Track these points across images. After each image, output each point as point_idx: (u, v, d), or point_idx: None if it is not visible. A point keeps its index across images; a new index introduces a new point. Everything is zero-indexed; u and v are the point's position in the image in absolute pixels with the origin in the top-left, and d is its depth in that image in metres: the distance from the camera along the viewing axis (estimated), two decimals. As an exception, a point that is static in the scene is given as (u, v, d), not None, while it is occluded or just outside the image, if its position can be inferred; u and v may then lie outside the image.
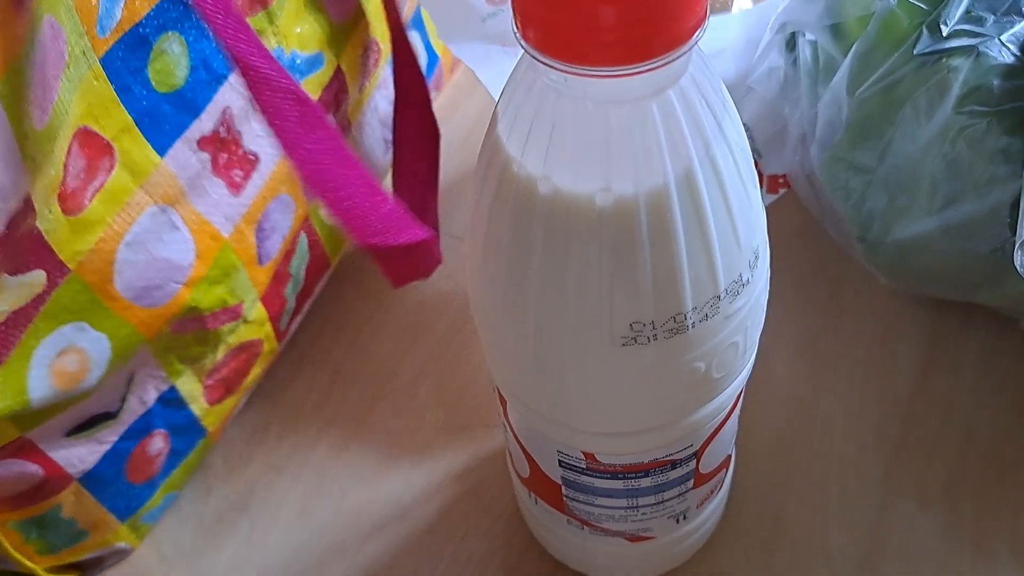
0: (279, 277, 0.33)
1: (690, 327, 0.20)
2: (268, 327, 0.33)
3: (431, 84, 0.44)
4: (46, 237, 0.24)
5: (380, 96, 0.38)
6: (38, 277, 0.24)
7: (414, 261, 0.30)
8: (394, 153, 0.37)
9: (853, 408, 0.35)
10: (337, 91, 0.34)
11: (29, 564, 0.29)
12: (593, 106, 0.18)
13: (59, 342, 0.25)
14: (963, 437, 0.34)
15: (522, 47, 0.17)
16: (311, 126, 0.26)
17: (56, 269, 0.24)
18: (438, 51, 0.44)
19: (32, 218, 0.23)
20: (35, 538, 0.29)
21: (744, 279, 0.21)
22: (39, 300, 0.24)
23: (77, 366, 0.26)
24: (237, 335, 0.32)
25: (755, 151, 0.38)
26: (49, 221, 0.24)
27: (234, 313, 0.31)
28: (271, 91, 0.25)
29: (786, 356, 0.36)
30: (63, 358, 0.25)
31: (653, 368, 0.21)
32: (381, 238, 0.28)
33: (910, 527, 0.32)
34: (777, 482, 0.33)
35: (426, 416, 0.36)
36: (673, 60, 0.16)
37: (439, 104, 0.47)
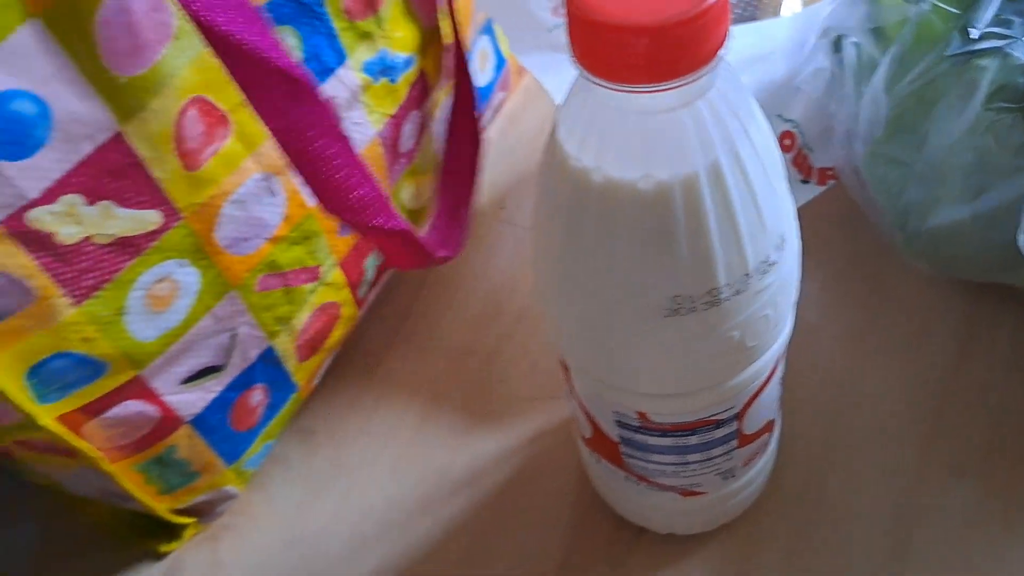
0: (360, 249, 0.38)
1: (724, 300, 0.24)
2: (347, 292, 0.38)
3: (498, 85, 0.48)
4: (161, 184, 0.28)
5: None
6: (152, 216, 0.29)
7: (403, 249, 0.35)
8: (445, 154, 0.42)
9: (893, 386, 0.38)
10: (421, 90, 0.38)
11: (152, 503, 0.34)
12: (635, 115, 0.21)
13: (160, 273, 0.30)
14: (997, 413, 0.36)
15: (576, 68, 0.21)
16: (300, 101, 0.30)
17: (171, 214, 0.29)
18: (506, 55, 0.48)
19: (136, 160, 0.27)
20: (155, 478, 0.34)
21: (771, 260, 0.24)
22: (152, 236, 0.29)
23: (167, 292, 0.30)
24: (317, 296, 0.36)
25: (805, 146, 0.41)
26: (165, 171, 0.28)
27: (313, 274, 0.36)
28: (254, 67, 0.28)
29: (831, 337, 0.39)
30: (159, 284, 0.30)
31: (693, 336, 0.25)
32: (351, 215, 0.32)
33: (944, 496, 0.34)
34: (821, 452, 0.36)
35: (500, 389, 0.41)
36: (697, 79, 0.20)
37: (510, 107, 0.51)
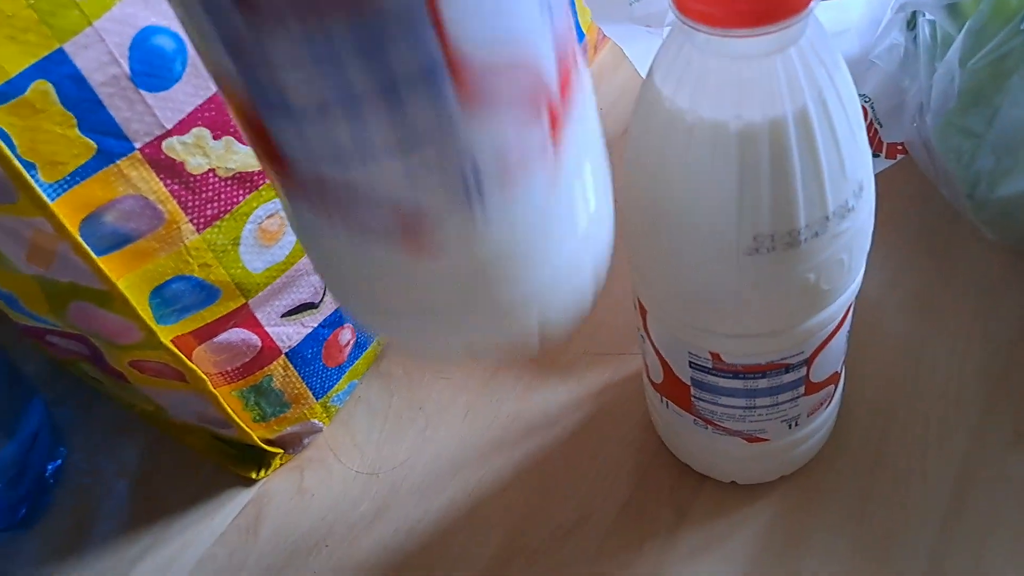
0: None
1: (803, 242, 0.25)
2: None
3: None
4: None
5: None
6: None
7: None
8: None
9: (957, 351, 0.39)
10: None
11: (247, 429, 0.37)
12: (730, 60, 0.23)
13: (271, 209, 0.32)
14: (1061, 379, 0.37)
15: (676, 16, 0.23)
16: None
17: None
18: (584, 29, 0.50)
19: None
20: (252, 405, 0.37)
21: (849, 205, 0.26)
22: (264, 174, 0.31)
23: (276, 227, 0.33)
24: None
25: (876, 121, 0.42)
26: None
27: None
28: None
29: (898, 303, 0.40)
30: (270, 220, 0.32)
31: (771, 276, 0.26)
32: None
33: (1004, 462, 0.35)
34: (882, 411, 0.38)
35: (570, 344, 0.42)
36: (791, 25, 0.22)
37: (586, 80, 0.53)
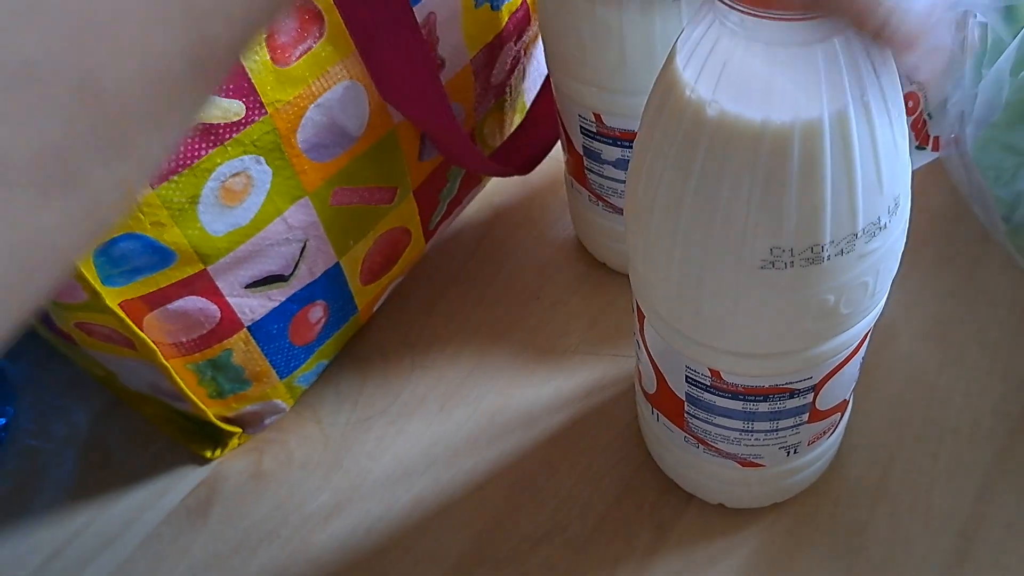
0: (436, 177, 0.37)
1: (825, 259, 0.22)
2: (416, 219, 0.37)
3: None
4: (250, 75, 0.28)
5: None
6: (235, 106, 0.28)
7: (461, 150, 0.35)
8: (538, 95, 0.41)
9: (975, 384, 0.36)
10: (520, 20, 0.37)
11: (201, 405, 0.34)
12: (764, 46, 0.20)
13: (237, 167, 0.29)
14: (1085, 425, 0.34)
15: (708, -11, 0.20)
16: (396, 29, 0.29)
17: (255, 107, 0.28)
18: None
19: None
20: (208, 380, 0.34)
21: (882, 223, 0.23)
22: (234, 127, 0.28)
23: (241, 187, 0.29)
24: (388, 219, 0.36)
25: (926, 113, 0.39)
26: (254, 62, 0.28)
27: (387, 195, 0.35)
28: None
29: (916, 326, 0.37)
30: (235, 179, 0.29)
31: (786, 294, 0.23)
32: (407, 105, 0.33)
33: (1017, 502, 0.33)
34: (888, 442, 0.35)
35: (560, 339, 0.40)
36: (843, 7, 0.19)
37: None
